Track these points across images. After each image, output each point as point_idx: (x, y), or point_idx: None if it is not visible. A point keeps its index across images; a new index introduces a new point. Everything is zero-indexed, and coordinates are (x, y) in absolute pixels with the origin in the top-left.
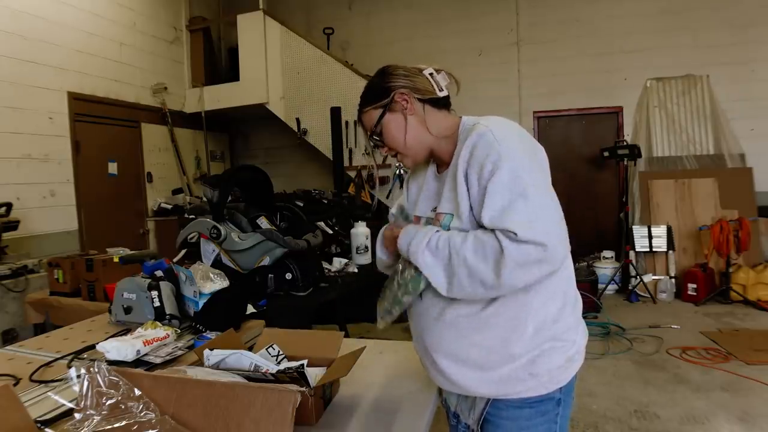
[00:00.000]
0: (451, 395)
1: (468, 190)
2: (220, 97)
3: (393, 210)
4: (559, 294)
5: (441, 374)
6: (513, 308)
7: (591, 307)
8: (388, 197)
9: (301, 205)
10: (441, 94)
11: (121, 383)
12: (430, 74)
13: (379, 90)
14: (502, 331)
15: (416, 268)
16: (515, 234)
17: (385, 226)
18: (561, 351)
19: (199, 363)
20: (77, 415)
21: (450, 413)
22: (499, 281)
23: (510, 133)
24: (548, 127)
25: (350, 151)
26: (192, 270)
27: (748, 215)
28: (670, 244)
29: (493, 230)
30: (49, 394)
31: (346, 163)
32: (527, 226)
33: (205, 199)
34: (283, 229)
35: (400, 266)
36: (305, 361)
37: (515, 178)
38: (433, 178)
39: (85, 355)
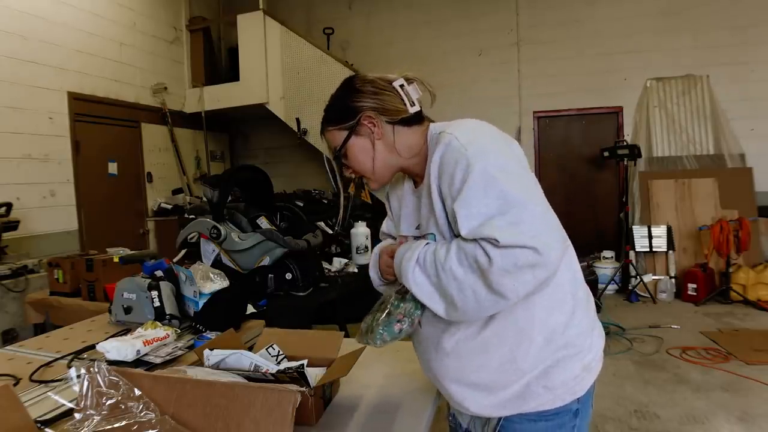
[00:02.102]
0: (463, 414)
1: (444, 206)
2: (220, 97)
3: (383, 228)
4: (566, 298)
5: (453, 400)
6: (515, 323)
7: None
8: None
9: (301, 205)
10: (412, 110)
11: (121, 383)
12: (401, 86)
13: (345, 109)
14: (507, 349)
15: (390, 310)
16: (497, 240)
17: (379, 245)
18: (577, 359)
19: (199, 363)
20: (77, 415)
21: (461, 430)
22: (492, 292)
23: (476, 134)
24: (548, 127)
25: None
26: (192, 270)
27: (748, 215)
28: (670, 244)
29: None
30: (49, 394)
31: None
32: (510, 231)
33: (205, 199)
34: (283, 229)
35: (392, 297)
36: (305, 361)
37: (490, 180)
38: (411, 193)
39: (85, 355)
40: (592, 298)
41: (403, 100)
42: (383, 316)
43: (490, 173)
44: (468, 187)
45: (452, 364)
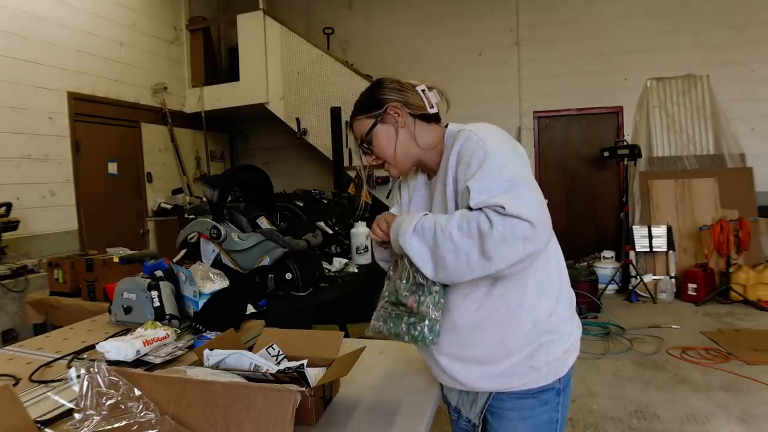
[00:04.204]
0: (452, 391)
1: (455, 190)
2: (220, 97)
3: (392, 211)
4: (553, 289)
5: (444, 372)
6: (507, 306)
7: (591, 307)
8: (388, 197)
9: (301, 205)
10: (431, 111)
11: (121, 383)
12: (423, 91)
13: (373, 101)
14: (499, 329)
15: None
16: (503, 208)
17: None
18: (558, 344)
19: (199, 363)
20: (77, 415)
21: (451, 408)
22: (484, 256)
23: (492, 134)
24: (548, 127)
25: (350, 151)
26: (192, 270)
27: (748, 215)
28: (670, 244)
29: (480, 209)
30: (49, 394)
31: (346, 163)
32: (514, 204)
33: (205, 199)
34: (283, 229)
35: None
36: (305, 361)
37: (501, 167)
38: (423, 185)
39: (85, 355)
40: (573, 295)
41: (423, 100)
42: (421, 321)
43: (502, 162)
44: (483, 170)
45: (449, 339)
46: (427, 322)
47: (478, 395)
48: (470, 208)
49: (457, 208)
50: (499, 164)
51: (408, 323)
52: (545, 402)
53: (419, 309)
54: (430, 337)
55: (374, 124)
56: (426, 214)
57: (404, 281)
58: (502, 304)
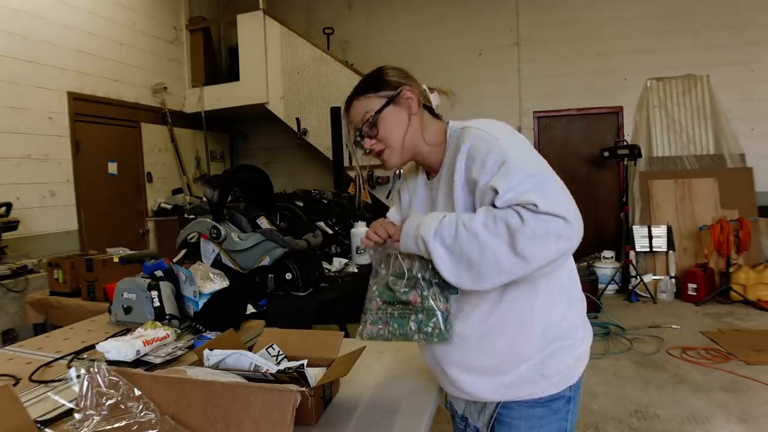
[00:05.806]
0: (458, 399)
1: (471, 192)
2: (220, 97)
3: (388, 215)
4: (564, 294)
5: (453, 384)
6: (518, 312)
7: (591, 307)
8: (388, 197)
9: (301, 205)
10: (434, 105)
11: (121, 383)
12: (425, 89)
13: (384, 81)
14: (509, 336)
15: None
16: (536, 206)
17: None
18: (569, 350)
19: (199, 363)
20: (77, 415)
21: (457, 417)
22: (516, 255)
23: (501, 129)
24: (548, 127)
25: (350, 151)
26: (192, 270)
27: (748, 215)
28: (671, 244)
29: (509, 207)
30: (49, 394)
31: (346, 163)
32: (546, 200)
33: (205, 199)
34: (283, 229)
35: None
36: (305, 361)
37: (524, 162)
38: (423, 187)
39: (85, 355)
40: (584, 300)
41: (428, 94)
42: (432, 316)
43: (524, 158)
44: (506, 168)
45: (456, 348)
46: (439, 315)
47: (486, 404)
48: (495, 206)
49: (468, 209)
50: (521, 161)
51: (417, 321)
52: (555, 411)
53: (424, 304)
54: (446, 329)
55: (386, 104)
56: (445, 215)
57: (400, 277)
58: (513, 310)
